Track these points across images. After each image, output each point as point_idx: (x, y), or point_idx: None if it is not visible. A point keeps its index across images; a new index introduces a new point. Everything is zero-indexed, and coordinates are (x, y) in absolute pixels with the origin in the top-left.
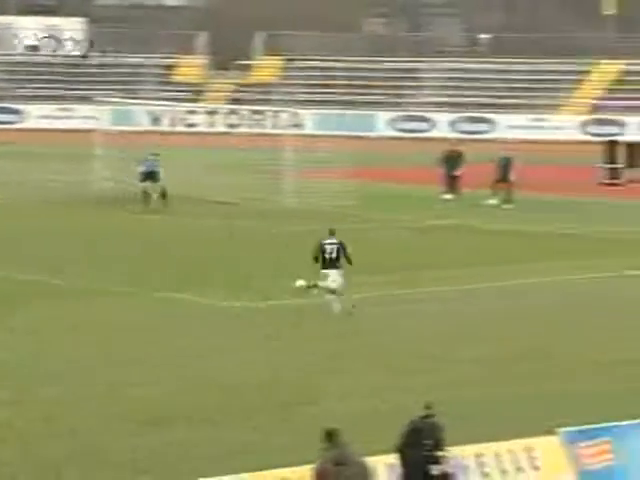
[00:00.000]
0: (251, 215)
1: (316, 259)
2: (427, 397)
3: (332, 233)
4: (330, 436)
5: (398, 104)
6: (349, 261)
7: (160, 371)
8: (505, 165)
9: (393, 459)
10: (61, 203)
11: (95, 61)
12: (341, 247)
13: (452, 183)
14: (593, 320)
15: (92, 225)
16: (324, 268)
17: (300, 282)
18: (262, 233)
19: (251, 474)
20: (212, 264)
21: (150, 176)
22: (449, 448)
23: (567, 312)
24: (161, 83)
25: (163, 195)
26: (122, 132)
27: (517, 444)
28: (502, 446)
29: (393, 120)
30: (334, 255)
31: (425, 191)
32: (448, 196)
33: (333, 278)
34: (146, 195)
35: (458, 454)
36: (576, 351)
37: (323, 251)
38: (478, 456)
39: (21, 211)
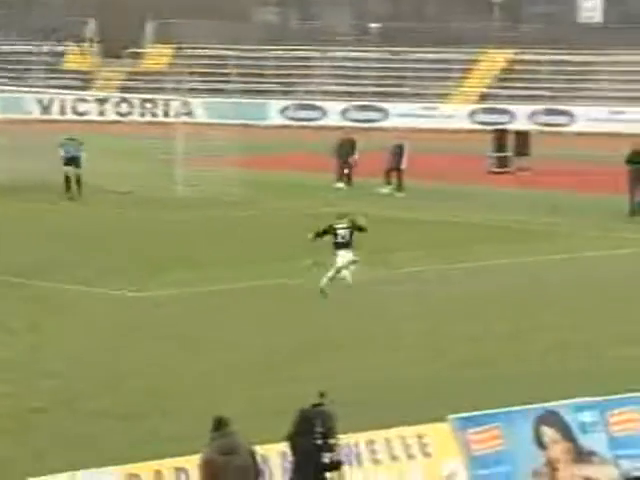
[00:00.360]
0: (144, 204)
1: (316, 236)
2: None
3: (342, 217)
4: (218, 424)
5: (290, 92)
6: (364, 229)
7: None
8: (398, 153)
9: (284, 447)
10: None
11: None
12: (352, 228)
13: (345, 171)
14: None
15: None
16: (337, 249)
17: (308, 262)
18: (155, 222)
19: (138, 465)
20: (108, 253)
21: (72, 161)
22: (341, 436)
23: (463, 302)
24: (51, 71)
25: (78, 182)
26: (11, 120)
27: (408, 430)
28: (393, 433)
29: (285, 108)
30: (347, 238)
31: (318, 179)
32: (341, 184)
33: (345, 256)
34: (67, 180)
35: (350, 442)
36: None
37: (336, 235)
38: (369, 443)
39: None
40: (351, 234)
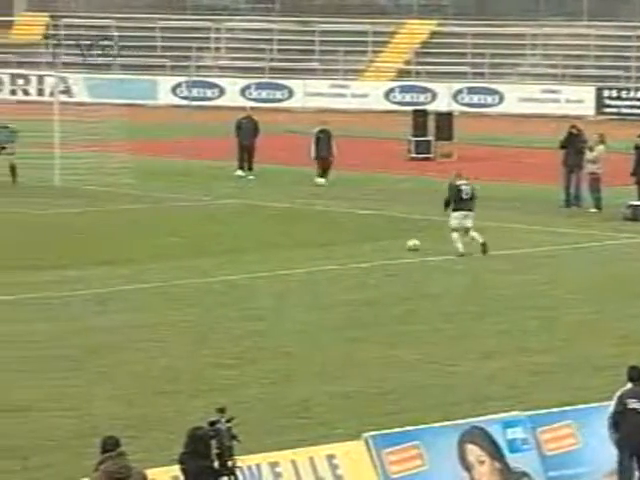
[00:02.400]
0: (16, 194)
1: (447, 204)
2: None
3: (461, 175)
4: (110, 445)
5: (182, 68)
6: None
7: None
8: (324, 140)
9: (176, 471)
10: None
11: None
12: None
13: (247, 156)
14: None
15: None
16: (459, 209)
17: (413, 242)
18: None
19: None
20: None
21: None
22: (240, 457)
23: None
24: None
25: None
26: None
27: (317, 450)
28: (300, 453)
29: (177, 86)
30: (470, 195)
31: (216, 167)
32: (241, 172)
33: (468, 217)
34: None
35: (251, 464)
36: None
37: (459, 192)
38: (273, 465)
39: None
40: (473, 192)
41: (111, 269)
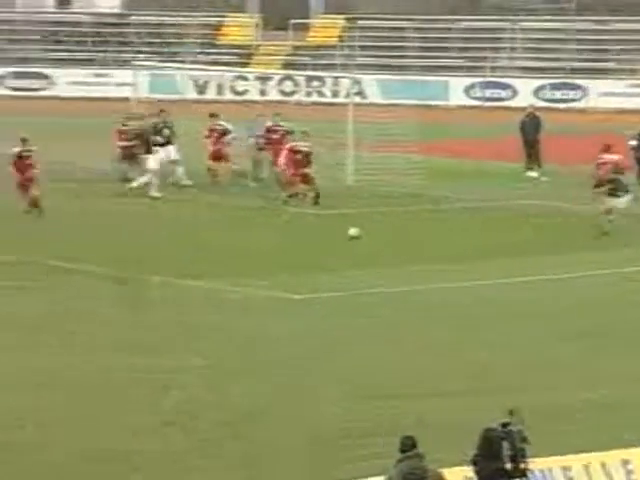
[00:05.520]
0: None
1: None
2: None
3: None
4: (407, 445)
5: (476, 69)
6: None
7: None
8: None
9: (470, 471)
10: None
11: (133, 20)
12: None
13: (533, 153)
14: None
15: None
16: (615, 195)
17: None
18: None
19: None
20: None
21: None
22: (532, 460)
23: None
24: (206, 45)
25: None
26: (161, 100)
27: (610, 456)
28: (593, 458)
29: (470, 87)
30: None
31: (506, 168)
32: (533, 173)
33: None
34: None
35: (543, 467)
36: None
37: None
38: (565, 469)
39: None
40: None
41: (425, 267)
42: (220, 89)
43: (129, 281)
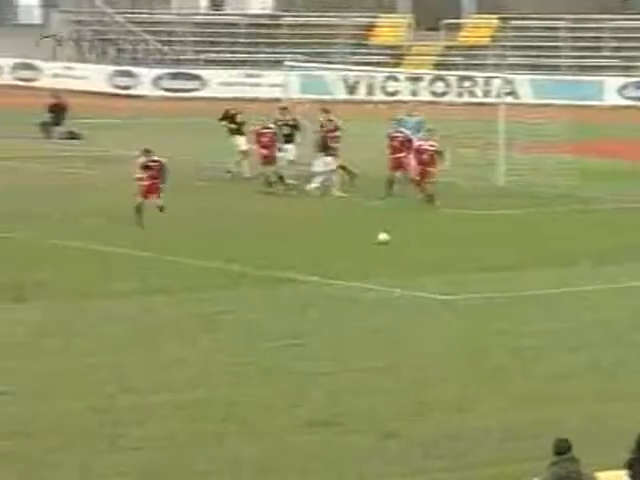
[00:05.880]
0: (456, 196)
1: None
2: None
3: None
4: (561, 448)
5: (630, 69)
6: None
7: None
8: None
9: (624, 476)
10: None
11: (285, 21)
12: None
13: None
14: None
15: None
16: None
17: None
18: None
19: None
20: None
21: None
22: None
23: None
24: (357, 46)
25: None
26: (314, 101)
27: None
28: None
29: (624, 87)
30: None
31: None
32: None
33: None
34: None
35: None
36: None
37: None
38: None
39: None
40: None
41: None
42: (370, 89)
43: (273, 282)
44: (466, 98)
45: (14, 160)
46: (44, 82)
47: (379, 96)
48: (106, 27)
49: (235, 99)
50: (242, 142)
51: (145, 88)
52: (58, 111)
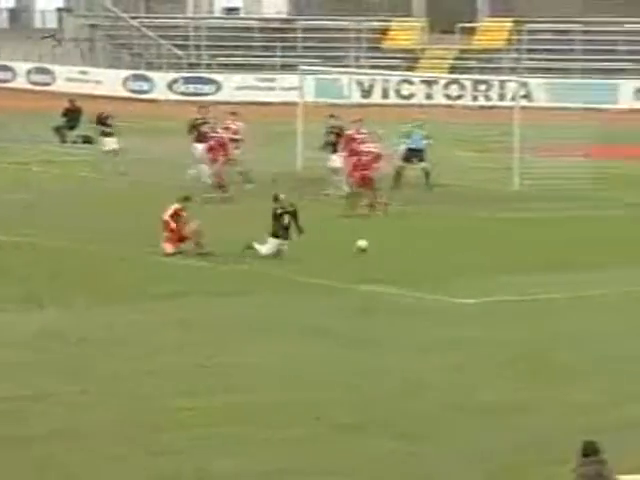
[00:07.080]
0: (476, 200)
1: None
2: None
3: None
4: (589, 450)
5: None
6: None
7: None
8: None
9: None
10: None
11: (299, 25)
12: None
13: None
14: None
15: None
16: None
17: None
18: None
19: None
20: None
21: (416, 153)
22: None
23: None
24: (372, 49)
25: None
26: (328, 104)
27: None
28: None
29: (638, 90)
30: None
31: None
32: None
33: None
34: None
35: None
36: None
37: None
38: None
39: None
40: None
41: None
42: (385, 93)
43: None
44: (481, 101)
45: (29, 164)
46: (59, 86)
47: (393, 99)
48: (121, 32)
49: (250, 103)
50: (111, 142)
51: (160, 92)
52: (72, 115)
